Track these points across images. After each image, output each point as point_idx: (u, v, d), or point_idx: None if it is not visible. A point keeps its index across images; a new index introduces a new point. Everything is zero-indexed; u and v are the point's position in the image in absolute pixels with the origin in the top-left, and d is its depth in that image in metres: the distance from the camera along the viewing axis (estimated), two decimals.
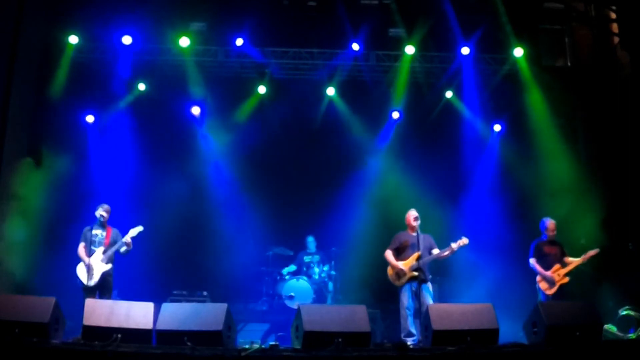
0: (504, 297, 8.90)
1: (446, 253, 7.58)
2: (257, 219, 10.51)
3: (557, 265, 8.03)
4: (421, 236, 7.71)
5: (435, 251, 7.69)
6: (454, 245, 7.51)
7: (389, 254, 7.86)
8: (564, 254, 8.15)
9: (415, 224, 7.76)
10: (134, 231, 7.74)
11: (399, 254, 7.82)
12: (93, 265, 7.56)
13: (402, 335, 7.51)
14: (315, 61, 10.92)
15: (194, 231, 10.63)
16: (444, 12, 10.48)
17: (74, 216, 9.20)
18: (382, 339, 8.88)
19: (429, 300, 7.44)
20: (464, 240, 7.51)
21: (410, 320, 7.51)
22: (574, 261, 8.01)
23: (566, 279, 7.96)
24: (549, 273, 8.01)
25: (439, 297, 9.25)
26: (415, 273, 7.56)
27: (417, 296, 7.46)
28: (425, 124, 11.29)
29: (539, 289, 8.09)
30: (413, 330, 7.47)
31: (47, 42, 10.40)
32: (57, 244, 9.38)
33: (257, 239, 10.40)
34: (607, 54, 11.18)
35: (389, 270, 7.84)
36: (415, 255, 7.62)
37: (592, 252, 7.97)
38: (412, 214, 7.88)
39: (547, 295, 7.98)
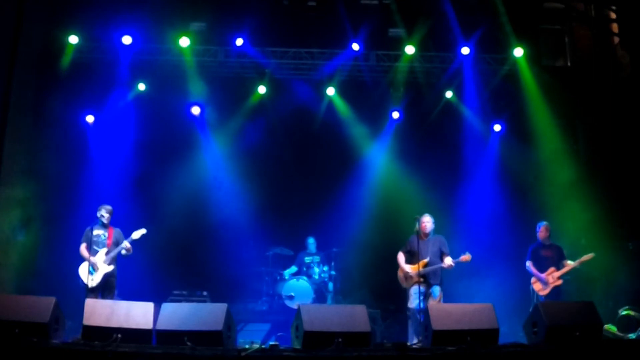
0: (504, 297, 8.90)
1: (445, 266, 7.67)
2: (257, 219, 10.51)
3: (552, 269, 8.07)
4: (431, 240, 7.87)
5: (447, 260, 7.69)
6: (449, 262, 7.60)
7: (400, 257, 8.00)
8: (562, 258, 8.14)
9: (424, 231, 7.88)
10: (137, 234, 7.75)
11: (412, 256, 7.90)
12: (96, 265, 7.57)
13: (410, 333, 7.63)
14: (315, 61, 10.91)
15: (194, 231, 10.62)
16: (444, 12, 10.47)
17: (74, 216, 9.20)
18: (382, 339, 8.87)
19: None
20: (467, 257, 7.57)
21: (417, 319, 7.52)
22: (569, 265, 8.02)
23: (560, 281, 7.99)
24: (542, 275, 8.08)
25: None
26: (421, 279, 7.63)
27: (425, 298, 7.52)
28: (425, 124, 11.29)
29: (533, 290, 8.18)
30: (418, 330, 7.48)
31: (47, 42, 10.40)
32: (57, 244, 9.38)
33: (257, 239, 10.39)
34: (607, 54, 11.18)
35: (399, 272, 7.99)
36: (422, 262, 7.68)
37: (586, 257, 7.97)
38: (422, 220, 7.93)
39: (540, 296, 8.03)
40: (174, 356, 5.58)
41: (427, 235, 7.91)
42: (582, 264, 7.99)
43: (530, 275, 8.25)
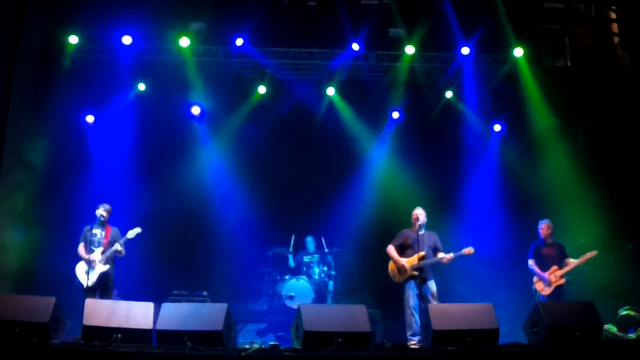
0: (504, 297, 8.90)
1: (445, 260, 7.53)
2: (257, 219, 10.51)
3: (554, 267, 7.99)
4: (425, 234, 7.77)
5: (440, 254, 7.61)
6: (450, 255, 7.48)
7: (391, 249, 7.86)
8: (564, 256, 8.07)
9: (417, 223, 7.76)
10: (132, 233, 7.73)
11: (404, 250, 7.82)
12: (92, 264, 7.56)
13: (408, 334, 7.49)
14: (315, 61, 10.92)
15: (194, 231, 10.63)
16: (444, 12, 10.48)
17: (74, 216, 9.20)
18: (382, 339, 8.87)
19: (430, 300, 7.45)
20: (469, 250, 7.45)
21: (415, 319, 7.48)
22: (572, 262, 7.95)
23: (562, 280, 7.91)
24: (545, 274, 8.00)
25: (439, 297, 9.24)
26: (416, 273, 7.56)
27: (420, 295, 7.47)
28: (425, 124, 11.29)
29: (535, 290, 8.11)
30: (418, 330, 7.44)
31: (47, 42, 10.40)
32: (57, 244, 9.38)
33: (257, 239, 10.40)
34: (607, 54, 11.19)
35: (391, 265, 7.84)
36: (418, 255, 7.61)
37: (590, 254, 7.87)
38: (414, 212, 7.85)
39: (543, 296, 7.97)
40: (174, 356, 5.58)
41: (419, 227, 7.77)
42: (585, 262, 7.88)
43: (531, 274, 8.17)
